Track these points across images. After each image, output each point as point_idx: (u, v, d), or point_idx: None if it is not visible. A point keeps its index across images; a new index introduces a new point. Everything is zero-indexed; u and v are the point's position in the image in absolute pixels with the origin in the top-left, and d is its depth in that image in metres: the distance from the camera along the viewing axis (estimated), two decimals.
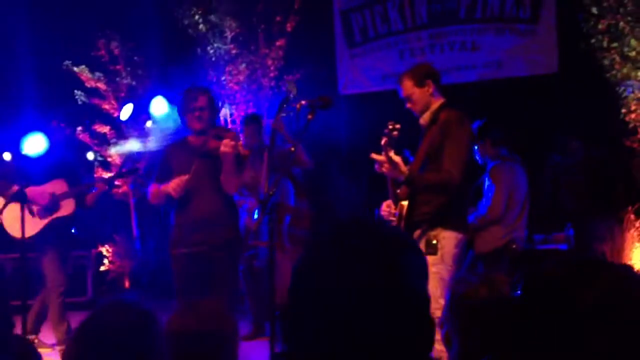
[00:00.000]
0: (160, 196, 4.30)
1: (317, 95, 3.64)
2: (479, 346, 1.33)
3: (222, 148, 4.04)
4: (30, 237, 5.10)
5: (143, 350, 1.65)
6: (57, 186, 5.23)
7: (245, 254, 5.47)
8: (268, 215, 3.19)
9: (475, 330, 1.48)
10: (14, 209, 4.91)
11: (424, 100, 3.72)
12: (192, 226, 4.18)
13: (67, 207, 5.23)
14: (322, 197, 6.81)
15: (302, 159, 5.35)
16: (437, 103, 3.72)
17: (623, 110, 6.09)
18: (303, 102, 3.50)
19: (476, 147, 5.04)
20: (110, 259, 8.06)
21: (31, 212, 5.13)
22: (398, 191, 3.65)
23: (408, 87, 3.74)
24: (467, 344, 1.49)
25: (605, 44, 6.12)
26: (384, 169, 3.55)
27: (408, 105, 3.77)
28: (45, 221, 5.19)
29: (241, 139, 5.32)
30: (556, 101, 6.63)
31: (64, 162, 5.49)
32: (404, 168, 3.53)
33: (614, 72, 6.11)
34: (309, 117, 3.41)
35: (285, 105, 3.88)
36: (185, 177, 4.11)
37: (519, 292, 0.98)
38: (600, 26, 6.12)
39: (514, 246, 4.98)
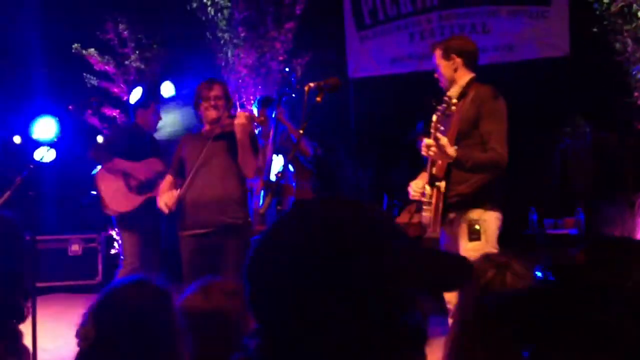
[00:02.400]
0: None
1: (325, 77, 3.61)
2: (511, 337, 1.28)
3: (237, 120, 4.03)
4: (124, 213, 5.09)
5: (160, 328, 1.66)
6: (154, 165, 5.21)
7: (252, 239, 5.49)
8: (276, 198, 3.18)
9: (507, 321, 1.44)
10: (112, 182, 4.93)
11: (447, 74, 3.67)
12: (201, 207, 4.17)
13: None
14: (329, 181, 6.81)
15: (304, 148, 5.36)
16: (465, 78, 3.63)
17: (635, 94, 6.03)
18: (311, 84, 3.46)
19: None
20: (119, 241, 8.10)
21: (129, 188, 5.12)
22: (434, 171, 3.49)
23: (436, 57, 3.73)
24: (497, 335, 1.43)
25: (618, 26, 6.05)
26: (430, 153, 3.39)
27: (436, 75, 3.75)
28: (142, 199, 5.14)
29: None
30: (567, 84, 6.57)
31: (157, 142, 5.49)
32: (451, 150, 3.34)
33: (626, 55, 6.05)
34: (317, 99, 3.37)
35: (288, 86, 3.86)
36: (176, 193, 4.12)
37: (550, 279, 0.95)
38: (613, 8, 6.05)
39: None
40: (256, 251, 0.98)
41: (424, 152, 3.44)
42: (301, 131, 3.41)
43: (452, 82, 3.65)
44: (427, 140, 3.39)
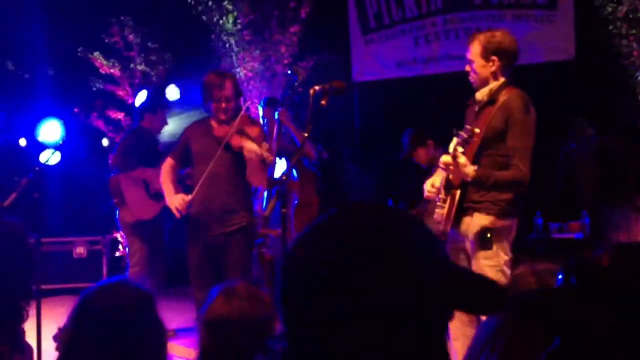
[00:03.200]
0: (161, 186, 4.35)
1: (329, 81, 3.60)
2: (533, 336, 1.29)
3: (246, 154, 4.02)
4: (144, 221, 5.09)
5: (140, 332, 1.64)
6: None
7: (256, 242, 5.50)
8: (279, 201, 3.18)
9: (531, 320, 1.44)
10: (134, 190, 4.95)
11: (483, 74, 3.43)
12: (209, 215, 4.19)
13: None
14: (334, 185, 6.80)
15: (308, 151, 5.35)
16: (498, 82, 3.42)
17: None
18: (316, 87, 3.45)
19: (416, 156, 5.01)
20: (124, 244, 8.11)
21: (150, 195, 5.13)
22: (450, 177, 3.41)
23: (474, 52, 3.45)
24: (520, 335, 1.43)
25: (623, 30, 6.03)
26: (449, 171, 3.32)
27: (467, 67, 3.50)
28: (160, 206, 5.14)
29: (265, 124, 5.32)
30: (572, 88, 6.56)
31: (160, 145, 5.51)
32: (469, 169, 3.26)
33: (632, 59, 6.03)
34: (322, 103, 3.35)
35: (290, 88, 3.85)
36: (188, 198, 4.11)
37: (574, 280, 0.95)
38: (618, 12, 6.03)
39: None
40: (294, 251, 0.95)
41: (441, 167, 3.36)
42: (305, 134, 3.41)
43: (484, 82, 3.44)
44: (445, 158, 3.31)
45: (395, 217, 0.95)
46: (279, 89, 7.61)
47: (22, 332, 2.18)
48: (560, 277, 0.94)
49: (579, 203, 6.33)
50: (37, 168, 4.43)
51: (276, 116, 5.31)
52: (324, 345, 0.88)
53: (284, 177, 3.24)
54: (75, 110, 5.86)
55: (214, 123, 4.27)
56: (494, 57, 3.40)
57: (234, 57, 7.64)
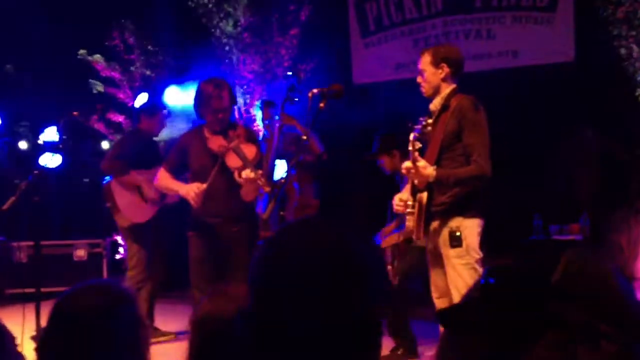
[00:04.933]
0: (169, 190, 4.33)
1: (330, 84, 3.61)
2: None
3: (241, 181, 3.97)
4: (139, 224, 5.10)
5: (116, 332, 1.64)
6: None
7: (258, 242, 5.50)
8: (278, 204, 3.18)
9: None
10: (126, 194, 4.95)
11: (433, 82, 3.65)
12: (211, 223, 4.23)
13: (174, 195, 5.17)
14: (333, 187, 6.80)
15: (314, 146, 5.35)
16: (448, 89, 3.64)
17: None
18: (315, 90, 3.47)
19: (382, 161, 5.04)
20: (124, 247, 8.11)
21: (144, 199, 5.13)
22: (416, 182, 3.56)
23: (424, 62, 3.68)
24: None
25: (623, 32, 6.03)
26: (411, 175, 3.47)
27: (418, 79, 3.70)
28: (155, 209, 5.15)
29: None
30: (572, 90, 6.55)
31: (158, 146, 5.51)
32: (430, 170, 3.43)
33: (631, 60, 6.03)
34: (321, 105, 3.38)
35: (290, 90, 3.86)
36: (203, 187, 4.08)
37: (490, 281, 0.99)
38: (618, 14, 6.03)
39: None
40: (263, 255, 1.10)
41: (404, 172, 3.52)
42: (304, 137, 3.42)
43: (436, 91, 3.66)
44: (406, 164, 3.47)
45: (341, 234, 1.11)
46: (279, 91, 7.61)
47: (13, 341, 2.14)
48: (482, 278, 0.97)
49: (579, 205, 6.33)
50: (36, 171, 4.44)
51: (277, 118, 5.31)
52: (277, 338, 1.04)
53: (282, 180, 3.24)
54: (75, 113, 5.85)
55: (207, 133, 4.26)
56: (443, 64, 3.62)
57: (234, 60, 7.65)
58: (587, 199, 6.37)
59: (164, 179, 4.34)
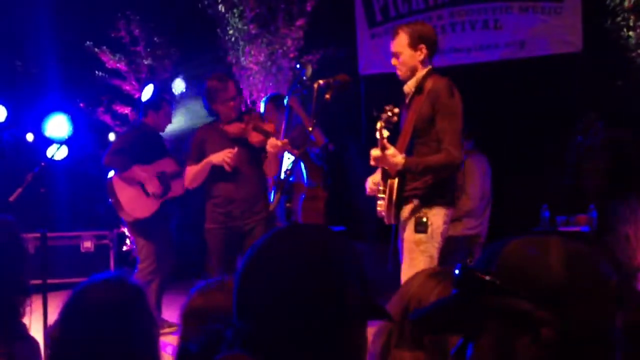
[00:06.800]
0: (200, 174, 4.37)
1: (335, 74, 3.59)
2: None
3: (269, 149, 4.11)
4: (143, 219, 5.11)
5: (128, 327, 1.64)
6: (168, 166, 5.21)
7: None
8: (284, 196, 3.18)
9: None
10: (128, 190, 4.96)
11: (411, 63, 3.52)
12: (228, 202, 4.33)
13: (177, 188, 5.16)
14: (340, 179, 6.79)
15: (317, 137, 5.34)
16: (424, 70, 3.53)
17: None
18: (320, 81, 3.45)
19: None
20: (131, 239, 8.13)
21: (146, 193, 5.14)
22: (387, 168, 3.50)
23: (400, 43, 3.53)
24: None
25: (631, 22, 5.99)
26: (380, 163, 3.41)
27: (393, 61, 3.57)
28: (159, 203, 5.15)
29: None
30: (579, 80, 6.51)
31: (164, 140, 5.52)
32: (398, 159, 3.37)
33: (639, 50, 5.99)
34: (327, 96, 3.36)
35: (299, 82, 3.85)
36: (234, 150, 4.15)
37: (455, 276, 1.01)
38: (626, 4, 5.99)
39: (480, 240, 5.30)
40: (250, 259, 1.19)
41: (372, 162, 3.44)
42: (310, 128, 3.41)
43: (413, 72, 3.53)
44: (374, 152, 3.39)
45: (328, 239, 1.19)
46: (284, 82, 7.59)
47: (24, 327, 2.18)
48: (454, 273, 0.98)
49: (586, 196, 6.30)
50: (42, 163, 4.44)
51: (286, 102, 5.29)
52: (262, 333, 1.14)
53: (288, 172, 3.24)
54: (81, 105, 5.84)
55: (222, 126, 4.34)
56: (422, 45, 3.48)
57: (239, 51, 7.63)
58: (594, 190, 6.34)
59: (191, 172, 4.39)
